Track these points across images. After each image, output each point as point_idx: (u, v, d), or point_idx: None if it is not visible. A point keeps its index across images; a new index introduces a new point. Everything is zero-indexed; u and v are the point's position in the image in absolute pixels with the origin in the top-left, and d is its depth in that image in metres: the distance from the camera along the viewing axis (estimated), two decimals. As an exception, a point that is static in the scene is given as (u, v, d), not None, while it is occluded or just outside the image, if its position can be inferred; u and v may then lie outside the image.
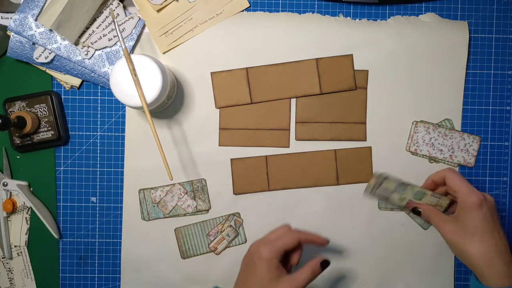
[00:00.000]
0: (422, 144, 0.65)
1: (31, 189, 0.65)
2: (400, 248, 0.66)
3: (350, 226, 0.65)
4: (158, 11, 0.63)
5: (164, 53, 0.64)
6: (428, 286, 0.66)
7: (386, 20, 0.65)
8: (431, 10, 0.65)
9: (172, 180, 0.58)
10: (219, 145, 0.65)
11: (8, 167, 0.65)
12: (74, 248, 0.66)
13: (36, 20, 0.61)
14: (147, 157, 0.64)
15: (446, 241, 0.56)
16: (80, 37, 0.62)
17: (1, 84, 0.65)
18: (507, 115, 0.66)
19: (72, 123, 0.65)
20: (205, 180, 0.65)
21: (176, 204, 0.65)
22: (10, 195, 0.65)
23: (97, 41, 0.62)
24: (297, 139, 0.65)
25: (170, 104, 0.64)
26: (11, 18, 0.62)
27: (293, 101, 0.65)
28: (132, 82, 0.55)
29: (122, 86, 0.55)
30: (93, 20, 0.62)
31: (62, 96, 0.65)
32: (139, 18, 0.63)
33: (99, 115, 0.65)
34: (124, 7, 0.63)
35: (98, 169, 0.65)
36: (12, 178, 0.65)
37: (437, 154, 0.65)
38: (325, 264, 0.55)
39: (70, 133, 0.65)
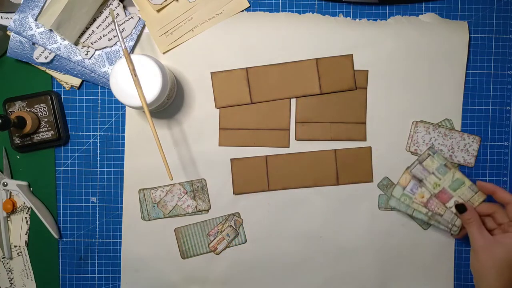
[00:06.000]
0: (422, 144, 0.65)
1: (31, 189, 0.65)
2: (400, 248, 0.66)
3: (350, 226, 0.65)
4: (158, 11, 0.63)
5: (164, 53, 0.64)
6: (428, 286, 0.66)
7: (386, 20, 0.65)
8: (431, 10, 0.65)
9: (172, 180, 0.58)
10: (219, 145, 0.65)
11: (8, 167, 0.65)
12: (74, 248, 0.66)
13: (36, 20, 0.61)
14: (147, 157, 0.64)
15: (475, 254, 0.55)
16: (80, 37, 0.62)
17: (1, 84, 0.65)
18: (507, 115, 0.66)
19: (72, 123, 0.65)
20: (205, 180, 0.65)
21: (176, 204, 0.65)
22: (10, 195, 0.65)
23: (97, 41, 0.62)
24: (297, 139, 0.65)
25: (170, 104, 0.64)
26: (11, 18, 0.62)
27: (293, 101, 0.65)
28: (132, 82, 0.55)
29: (122, 86, 0.55)
30: (93, 20, 0.62)
31: (62, 96, 0.65)
32: (139, 18, 0.63)
33: (99, 115, 0.65)
34: (124, 7, 0.63)
35: (98, 169, 0.65)
36: (12, 178, 0.65)
37: (437, 154, 0.65)
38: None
39: (70, 133, 0.65)
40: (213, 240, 0.66)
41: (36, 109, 0.63)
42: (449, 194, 0.60)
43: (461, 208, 0.58)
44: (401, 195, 0.60)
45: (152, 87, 0.55)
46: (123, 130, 0.65)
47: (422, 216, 0.60)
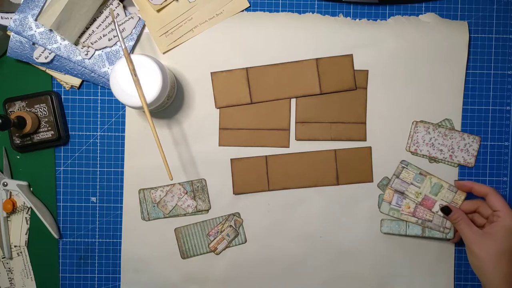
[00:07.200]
0: (422, 144, 0.65)
1: (31, 189, 0.65)
2: (400, 248, 0.66)
3: (350, 226, 0.65)
4: (158, 11, 0.63)
5: (164, 53, 0.64)
6: (428, 286, 0.66)
7: (386, 20, 0.65)
8: (431, 10, 0.65)
9: (172, 180, 0.58)
10: (219, 145, 0.65)
11: (8, 167, 0.65)
12: (74, 248, 0.66)
13: (36, 20, 0.61)
14: (147, 157, 0.64)
15: (469, 250, 0.56)
16: (80, 37, 0.62)
17: (1, 84, 0.65)
18: (507, 115, 0.66)
19: (72, 123, 0.65)
20: (205, 180, 0.65)
21: (176, 204, 0.65)
22: (10, 195, 0.65)
23: (97, 41, 0.62)
24: (297, 139, 0.65)
25: (170, 104, 0.64)
26: (11, 18, 0.62)
27: (293, 101, 0.65)
28: (132, 82, 0.55)
29: (122, 86, 0.55)
30: (93, 20, 0.62)
31: (62, 96, 0.65)
32: (139, 18, 0.63)
33: (99, 115, 0.65)
34: (124, 7, 0.63)
35: (98, 169, 0.65)
36: (12, 178, 0.65)
37: (437, 154, 0.65)
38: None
39: (70, 133, 0.65)
40: (213, 240, 0.66)
41: (36, 109, 0.63)
42: (432, 200, 0.62)
43: (446, 210, 0.59)
44: (389, 210, 0.63)
45: (152, 87, 0.55)
46: (123, 130, 0.65)
47: (417, 231, 0.62)
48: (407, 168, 0.62)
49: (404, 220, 0.62)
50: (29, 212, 0.65)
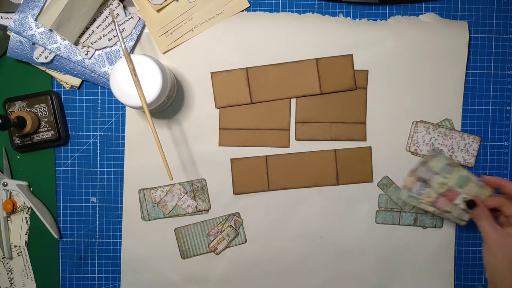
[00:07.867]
0: (422, 144, 0.65)
1: (31, 189, 0.65)
2: (400, 248, 0.66)
3: (350, 226, 0.66)
4: (158, 11, 0.63)
5: (164, 53, 0.64)
6: (428, 286, 0.66)
7: (386, 20, 0.65)
8: (431, 10, 0.65)
9: (172, 180, 0.58)
10: (219, 145, 0.65)
11: (8, 167, 0.65)
12: (74, 248, 0.66)
13: (36, 20, 0.61)
14: (147, 157, 0.64)
15: (487, 248, 0.54)
16: (80, 37, 0.62)
17: (1, 84, 0.65)
18: (507, 115, 0.66)
19: (72, 123, 0.65)
20: (205, 180, 0.65)
21: (176, 204, 0.65)
22: (10, 195, 0.65)
23: (97, 41, 0.62)
24: (297, 139, 0.65)
25: (170, 104, 0.64)
26: (11, 18, 0.62)
27: (293, 101, 0.65)
28: (132, 82, 0.55)
29: (122, 86, 0.55)
30: (93, 20, 0.62)
31: (62, 96, 0.65)
32: (139, 18, 0.63)
33: (99, 115, 0.65)
34: (124, 7, 0.63)
35: (98, 169, 0.65)
36: (12, 178, 0.65)
37: (437, 154, 0.65)
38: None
39: (70, 133, 0.65)
40: (213, 240, 0.66)
41: (36, 109, 0.63)
42: (456, 192, 0.58)
43: (471, 204, 0.57)
44: (408, 197, 0.59)
45: (152, 87, 0.55)
46: (123, 130, 0.65)
47: (409, 220, 0.62)
48: (437, 157, 0.59)
49: (422, 209, 0.59)
50: (29, 212, 0.65)
